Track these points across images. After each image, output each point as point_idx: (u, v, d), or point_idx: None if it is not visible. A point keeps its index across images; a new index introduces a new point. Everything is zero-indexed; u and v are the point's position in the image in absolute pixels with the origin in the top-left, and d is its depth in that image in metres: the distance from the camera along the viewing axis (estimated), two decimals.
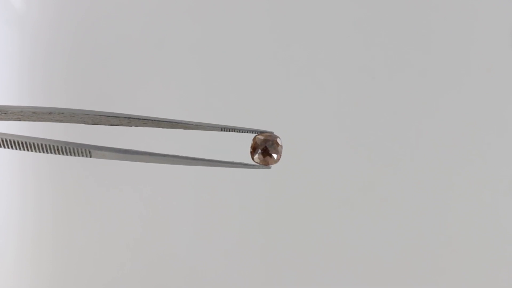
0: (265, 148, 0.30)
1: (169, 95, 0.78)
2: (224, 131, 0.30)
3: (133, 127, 0.27)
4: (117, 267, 0.81)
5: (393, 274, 0.73)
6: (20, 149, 0.27)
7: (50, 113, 0.30)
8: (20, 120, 0.28)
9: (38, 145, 0.27)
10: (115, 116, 0.28)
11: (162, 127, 0.28)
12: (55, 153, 0.27)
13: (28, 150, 0.27)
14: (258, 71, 0.75)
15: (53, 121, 0.27)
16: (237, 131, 0.31)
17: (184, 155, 0.27)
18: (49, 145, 0.26)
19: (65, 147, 0.26)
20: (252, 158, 0.31)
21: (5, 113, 0.30)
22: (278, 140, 0.31)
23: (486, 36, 0.69)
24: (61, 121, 0.27)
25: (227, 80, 0.76)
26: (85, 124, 0.27)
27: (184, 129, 0.28)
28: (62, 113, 0.30)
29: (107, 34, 0.80)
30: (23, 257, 0.83)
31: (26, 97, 0.82)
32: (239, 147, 0.39)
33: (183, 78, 0.77)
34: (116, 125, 0.27)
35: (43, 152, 0.27)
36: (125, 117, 0.28)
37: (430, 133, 0.71)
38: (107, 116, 0.29)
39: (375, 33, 0.71)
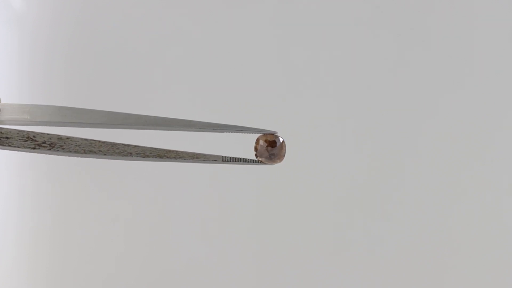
0: (269, 155, 0.30)
1: (170, 94, 0.78)
2: (227, 131, 0.30)
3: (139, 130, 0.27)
4: (114, 266, 0.81)
5: (394, 274, 0.73)
6: None
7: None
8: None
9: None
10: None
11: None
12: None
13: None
14: (260, 70, 0.75)
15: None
16: (240, 132, 0.31)
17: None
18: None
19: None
20: (256, 157, 0.32)
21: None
22: (283, 145, 0.31)
23: (487, 36, 0.69)
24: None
25: (229, 80, 0.76)
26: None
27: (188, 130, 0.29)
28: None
29: (106, 34, 0.80)
30: (21, 256, 0.84)
31: (25, 98, 0.82)
32: (243, 145, 0.39)
33: (184, 78, 0.77)
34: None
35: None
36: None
37: (432, 133, 0.71)
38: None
39: (376, 32, 0.72)
